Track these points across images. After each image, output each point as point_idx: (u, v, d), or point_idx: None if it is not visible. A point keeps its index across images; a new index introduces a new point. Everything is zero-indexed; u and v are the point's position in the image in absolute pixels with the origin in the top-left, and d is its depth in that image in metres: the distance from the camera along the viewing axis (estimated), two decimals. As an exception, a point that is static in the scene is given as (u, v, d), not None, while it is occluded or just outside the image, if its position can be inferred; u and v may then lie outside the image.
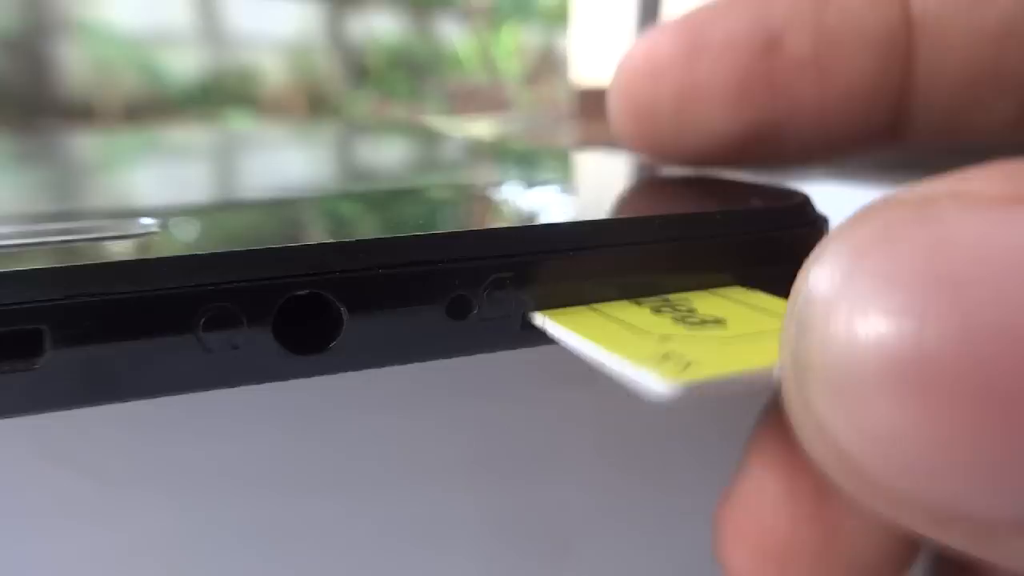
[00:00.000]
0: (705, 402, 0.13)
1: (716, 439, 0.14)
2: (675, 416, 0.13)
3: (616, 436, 0.13)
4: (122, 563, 0.11)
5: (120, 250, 0.09)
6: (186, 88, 1.04)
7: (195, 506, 0.11)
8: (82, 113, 0.93)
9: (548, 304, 0.10)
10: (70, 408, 0.09)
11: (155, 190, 0.18)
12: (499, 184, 0.15)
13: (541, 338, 0.10)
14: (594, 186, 0.15)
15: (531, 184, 0.15)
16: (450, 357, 0.10)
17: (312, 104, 1.12)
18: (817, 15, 0.13)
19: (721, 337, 0.09)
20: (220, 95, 1.06)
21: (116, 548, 0.11)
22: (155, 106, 1.00)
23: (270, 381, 0.09)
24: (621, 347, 0.09)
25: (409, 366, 0.10)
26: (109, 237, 0.10)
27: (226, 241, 0.10)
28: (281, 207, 0.13)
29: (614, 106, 0.15)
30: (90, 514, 0.11)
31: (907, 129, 0.14)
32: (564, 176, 0.17)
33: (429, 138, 0.29)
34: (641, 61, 0.14)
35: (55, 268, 0.08)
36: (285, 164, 0.23)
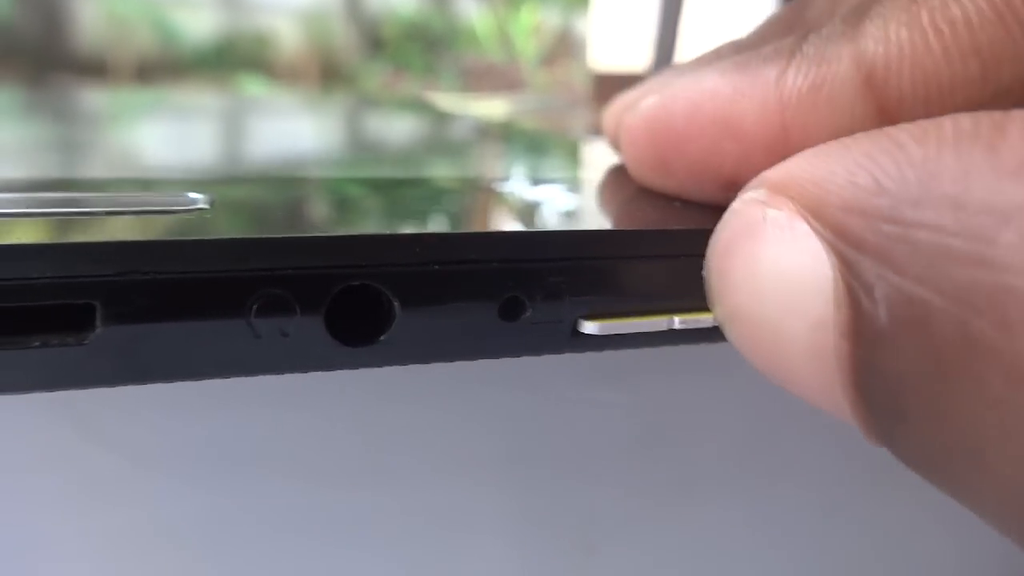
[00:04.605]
0: (743, 417, 0.13)
1: (749, 452, 0.13)
2: (710, 426, 0.13)
3: (651, 441, 0.13)
4: (152, 543, 0.11)
5: (172, 228, 0.09)
6: (200, 49, 1.03)
7: (228, 491, 0.11)
8: (95, 69, 0.92)
9: (601, 314, 0.10)
10: (116, 385, 0.08)
11: (198, 159, 0.18)
12: (554, 182, 0.15)
13: (591, 344, 0.10)
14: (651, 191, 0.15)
15: (585, 185, 0.15)
16: (498, 357, 0.10)
17: (325, 73, 1.11)
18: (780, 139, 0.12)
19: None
20: (233, 59, 1.05)
21: (147, 529, 0.11)
22: (167, 66, 0.99)
23: (318, 370, 0.09)
24: None
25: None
26: (160, 211, 0.09)
27: (279, 224, 0.10)
28: (331, 189, 0.13)
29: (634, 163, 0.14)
30: (123, 494, 0.11)
31: None
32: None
33: (477, 125, 0.29)
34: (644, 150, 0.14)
35: (109, 243, 0.08)
36: (330, 141, 0.23)
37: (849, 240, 0.08)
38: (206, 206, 0.10)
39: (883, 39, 0.11)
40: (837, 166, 0.08)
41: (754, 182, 0.09)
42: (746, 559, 0.14)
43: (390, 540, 0.12)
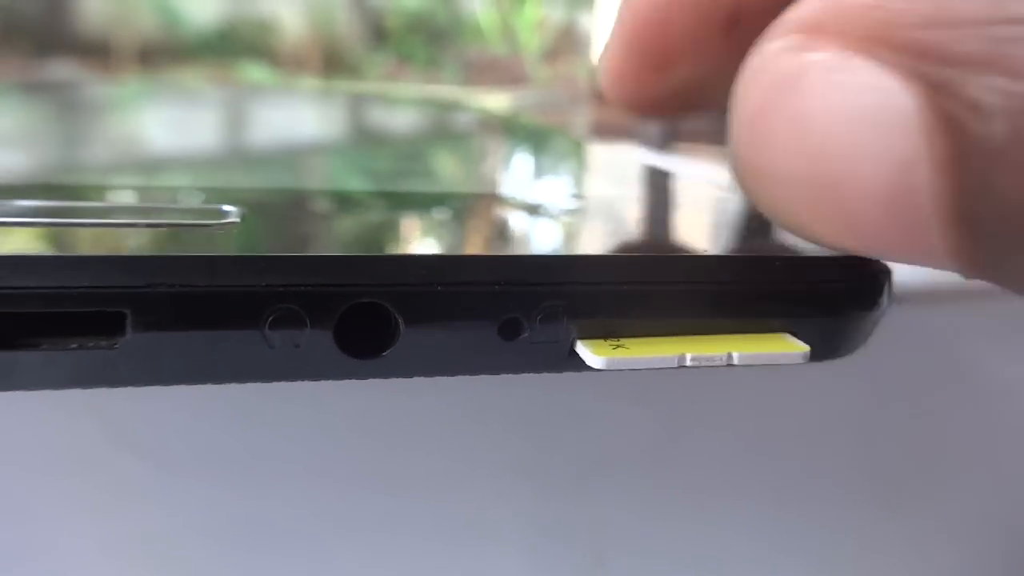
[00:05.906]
0: (758, 429, 0.13)
1: (763, 464, 0.14)
2: (724, 438, 0.13)
3: (665, 456, 0.13)
4: (172, 547, 0.11)
5: (203, 242, 0.10)
6: (203, 34, 1.03)
7: (249, 496, 0.12)
8: (97, 52, 0.92)
9: (598, 335, 0.10)
10: (143, 386, 0.09)
11: (231, 168, 0.18)
12: (563, 196, 0.15)
13: (588, 364, 0.10)
14: (654, 208, 0.15)
15: (596, 203, 0.15)
16: (497, 374, 0.10)
17: (328, 63, 1.11)
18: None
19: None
20: (236, 45, 1.04)
21: (167, 532, 0.11)
22: (170, 50, 0.99)
23: (326, 379, 0.10)
24: None
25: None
26: (197, 225, 0.10)
27: (299, 241, 0.11)
28: (352, 207, 0.13)
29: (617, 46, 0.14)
30: (145, 497, 0.11)
31: None
32: (629, 193, 0.17)
33: (490, 124, 0.29)
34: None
35: (139, 257, 0.09)
36: (357, 152, 0.23)
37: (939, 58, 0.07)
38: (237, 219, 0.10)
39: None
40: None
41: (776, 30, 0.08)
42: (759, 573, 0.14)
43: (401, 548, 0.12)
